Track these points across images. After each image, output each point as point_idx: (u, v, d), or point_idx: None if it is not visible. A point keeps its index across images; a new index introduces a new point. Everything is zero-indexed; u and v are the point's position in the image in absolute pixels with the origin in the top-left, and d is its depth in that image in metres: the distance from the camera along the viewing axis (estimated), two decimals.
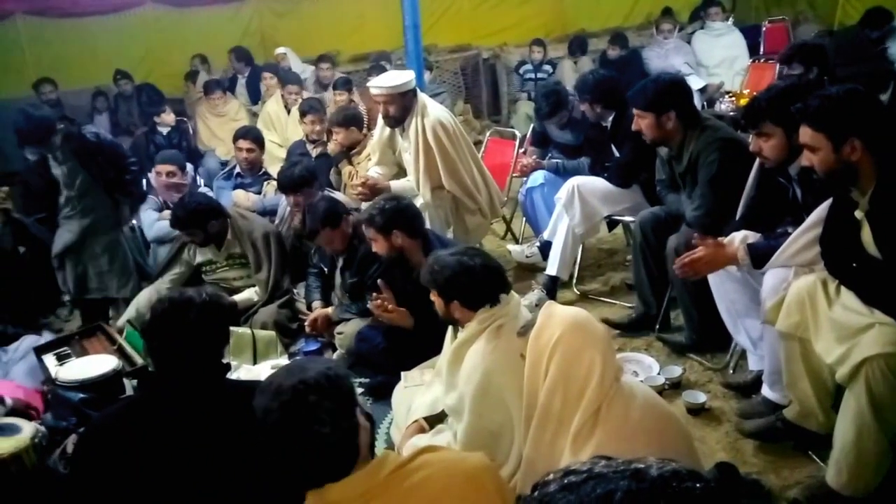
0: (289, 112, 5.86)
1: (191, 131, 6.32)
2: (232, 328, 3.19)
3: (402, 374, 2.85)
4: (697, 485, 0.75)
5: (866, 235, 2.10)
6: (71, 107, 6.70)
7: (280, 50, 6.98)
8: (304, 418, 1.36)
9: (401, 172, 4.02)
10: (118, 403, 2.29)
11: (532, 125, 4.70)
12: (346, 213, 3.46)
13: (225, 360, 1.89)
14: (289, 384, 1.39)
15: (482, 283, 2.21)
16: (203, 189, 4.53)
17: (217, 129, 6.25)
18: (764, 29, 7.57)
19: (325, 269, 3.62)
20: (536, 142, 4.48)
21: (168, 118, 6.04)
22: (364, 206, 3.76)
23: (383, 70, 5.89)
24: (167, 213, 4.10)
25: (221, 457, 1.69)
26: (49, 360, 2.93)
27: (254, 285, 3.66)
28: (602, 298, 3.87)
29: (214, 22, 7.67)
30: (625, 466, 0.78)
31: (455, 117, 4.11)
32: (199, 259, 3.73)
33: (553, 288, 3.76)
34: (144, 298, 3.57)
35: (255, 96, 6.83)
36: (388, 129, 3.93)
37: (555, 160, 4.28)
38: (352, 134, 4.36)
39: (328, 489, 1.37)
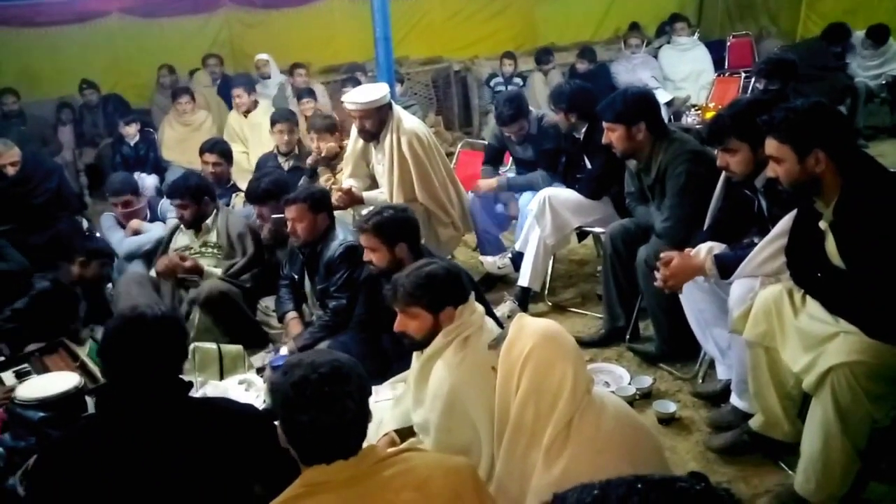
0: (246, 116, 5.91)
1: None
2: (198, 344, 3.19)
3: (373, 388, 2.81)
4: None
5: (830, 246, 2.14)
6: (34, 117, 6.57)
7: (262, 56, 6.89)
8: (340, 392, 1.46)
9: (373, 185, 4.00)
10: (78, 423, 2.23)
11: (489, 141, 4.56)
12: (330, 210, 3.42)
13: (189, 377, 1.85)
14: (325, 360, 1.51)
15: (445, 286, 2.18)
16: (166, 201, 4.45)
17: (182, 138, 6.12)
18: (728, 44, 7.73)
19: (296, 277, 3.57)
20: (490, 159, 4.36)
21: (130, 130, 5.92)
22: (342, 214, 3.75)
23: (358, 82, 5.88)
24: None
25: (183, 477, 1.65)
26: (8, 376, 2.83)
27: None
28: (574, 309, 3.88)
29: (183, 32, 7.58)
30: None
31: (429, 129, 4.10)
32: (178, 243, 3.81)
33: (525, 299, 3.77)
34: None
35: (229, 102, 6.72)
36: (361, 141, 3.91)
37: (507, 176, 4.27)
38: (332, 140, 4.35)
39: (319, 469, 1.45)
